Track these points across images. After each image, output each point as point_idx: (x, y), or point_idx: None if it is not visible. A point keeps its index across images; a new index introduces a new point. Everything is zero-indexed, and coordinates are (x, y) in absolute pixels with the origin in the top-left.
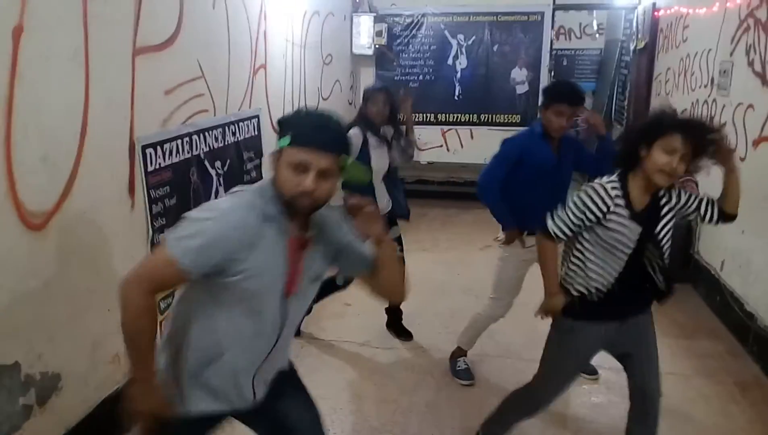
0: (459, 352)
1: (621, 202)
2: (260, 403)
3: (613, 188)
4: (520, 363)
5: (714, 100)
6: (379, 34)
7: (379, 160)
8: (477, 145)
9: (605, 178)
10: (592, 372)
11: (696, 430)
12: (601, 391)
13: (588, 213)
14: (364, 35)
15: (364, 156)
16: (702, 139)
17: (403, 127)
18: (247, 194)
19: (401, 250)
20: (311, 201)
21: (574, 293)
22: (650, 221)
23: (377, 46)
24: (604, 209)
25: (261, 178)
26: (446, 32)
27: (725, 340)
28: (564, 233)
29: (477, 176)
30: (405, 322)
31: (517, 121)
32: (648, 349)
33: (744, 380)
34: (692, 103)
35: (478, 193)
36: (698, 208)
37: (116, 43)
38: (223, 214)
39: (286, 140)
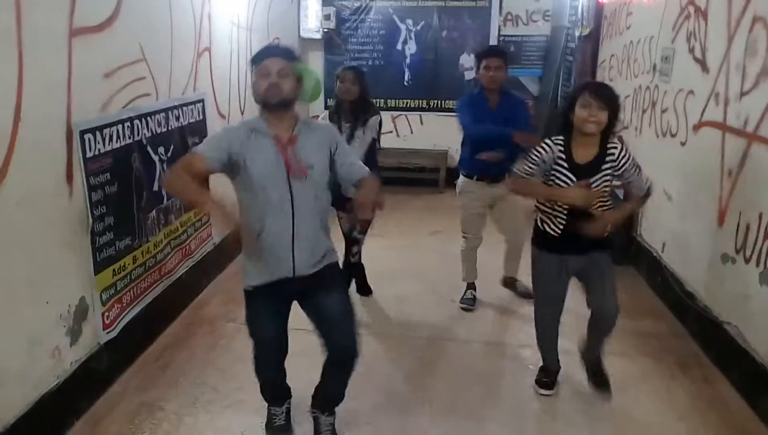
0: (469, 286)
1: (562, 155)
2: (306, 285)
3: (557, 144)
4: (469, 346)
5: (656, 86)
6: (327, 17)
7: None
8: (426, 131)
9: (553, 137)
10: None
11: (638, 408)
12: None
13: (538, 158)
14: (312, 19)
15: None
16: (606, 92)
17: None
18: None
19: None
20: (279, 94)
21: (540, 229)
22: (587, 173)
23: (325, 30)
24: (550, 156)
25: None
26: (395, 17)
27: (666, 320)
28: (525, 172)
29: (426, 162)
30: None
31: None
32: (603, 280)
33: (684, 359)
34: (635, 89)
35: (473, 138)
36: (623, 177)
37: (51, 23)
38: (225, 129)
39: (253, 65)
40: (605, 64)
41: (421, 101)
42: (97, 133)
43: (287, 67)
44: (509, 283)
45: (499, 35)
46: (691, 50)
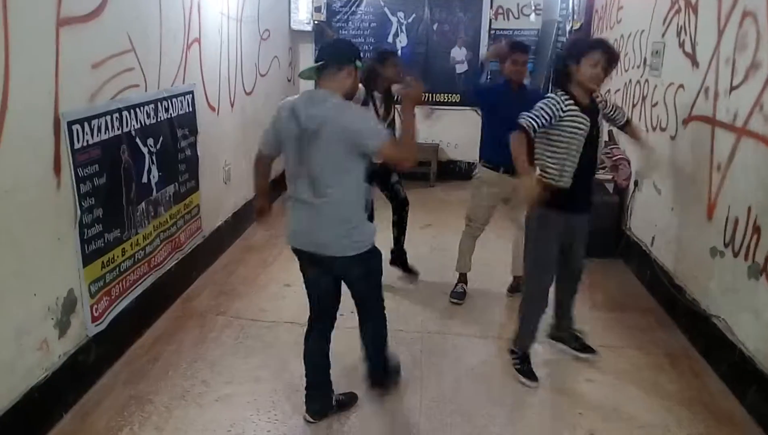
0: (460, 278)
1: (571, 102)
2: (331, 264)
3: (562, 95)
4: (458, 339)
5: (646, 81)
6: (318, 9)
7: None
8: (418, 124)
9: (556, 92)
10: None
11: (627, 400)
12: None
13: (548, 110)
14: (303, 10)
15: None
16: (612, 54)
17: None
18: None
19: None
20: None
21: (550, 182)
22: (591, 114)
23: (316, 22)
24: (561, 107)
25: (196, 156)
26: (386, 9)
27: (655, 313)
28: (532, 126)
29: (419, 156)
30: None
31: (457, 101)
32: (583, 242)
33: (673, 351)
34: (625, 84)
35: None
36: (613, 113)
37: (38, 13)
38: (277, 108)
39: None
40: None
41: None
42: (85, 124)
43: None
44: (519, 284)
45: (490, 28)
46: (682, 45)
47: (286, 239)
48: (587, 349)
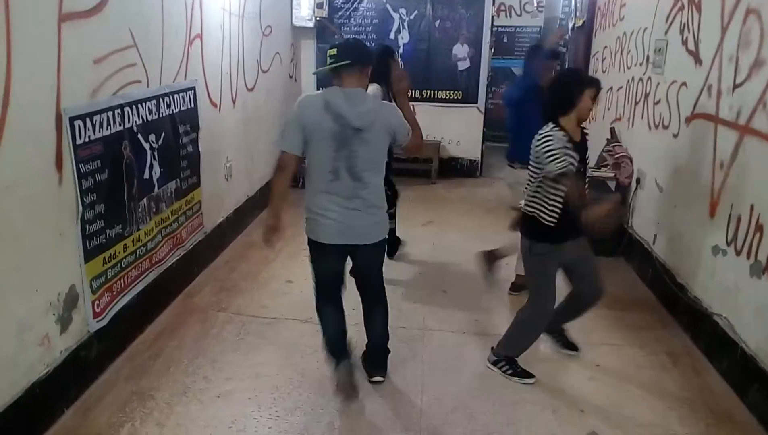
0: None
1: (566, 138)
2: (354, 253)
3: (558, 131)
4: (460, 336)
5: (649, 78)
6: (319, 6)
7: None
8: (419, 122)
9: (547, 128)
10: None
11: (628, 399)
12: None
13: (562, 147)
14: (305, 7)
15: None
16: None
17: None
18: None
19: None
20: None
21: (547, 222)
22: (581, 150)
23: (318, 18)
24: (565, 145)
25: (198, 152)
26: (388, 6)
27: (657, 311)
28: (572, 167)
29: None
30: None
31: (459, 98)
32: (590, 262)
33: (674, 350)
34: (628, 81)
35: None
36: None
37: (40, 8)
38: (299, 104)
39: None
40: (598, 56)
41: (413, 91)
42: (87, 120)
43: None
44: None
45: (493, 26)
46: (685, 42)
47: (314, 236)
48: (571, 346)
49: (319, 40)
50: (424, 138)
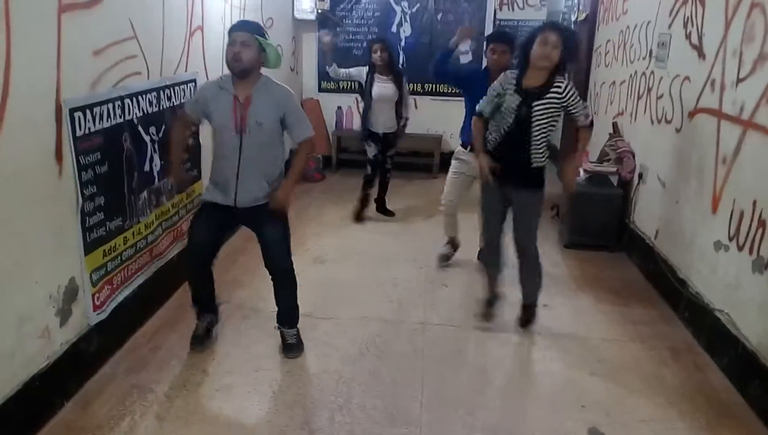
0: (449, 240)
1: (513, 82)
2: (247, 215)
3: (511, 74)
4: (461, 331)
5: (652, 72)
6: None
7: (380, 89)
8: (421, 115)
9: (509, 71)
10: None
11: (630, 394)
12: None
13: (495, 91)
14: None
15: (369, 85)
16: (568, 35)
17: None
18: (219, 77)
19: (390, 166)
20: (240, 63)
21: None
22: (533, 97)
23: (320, 10)
24: (504, 87)
25: (198, 145)
26: None
27: (658, 307)
28: (484, 110)
29: (420, 147)
30: (348, 291)
31: (461, 92)
32: (527, 217)
33: (676, 345)
34: (631, 75)
35: (441, 71)
36: (569, 108)
37: None
38: (202, 86)
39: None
40: (601, 50)
41: (415, 85)
42: (87, 112)
43: (250, 39)
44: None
45: (495, 19)
46: (688, 36)
47: None
48: (524, 324)
49: (321, 32)
50: (426, 131)
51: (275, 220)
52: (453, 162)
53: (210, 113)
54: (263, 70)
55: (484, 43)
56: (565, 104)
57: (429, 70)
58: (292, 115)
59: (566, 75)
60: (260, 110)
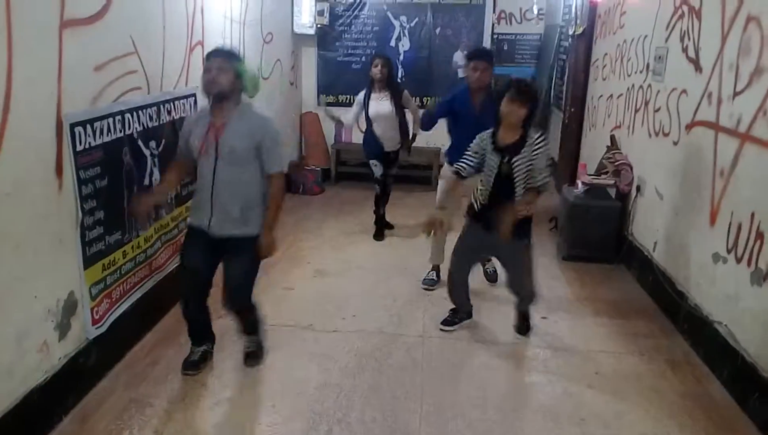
0: (434, 267)
1: (490, 142)
2: (218, 239)
3: (489, 135)
4: (460, 344)
5: (649, 86)
6: (320, 13)
7: (378, 106)
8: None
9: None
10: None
11: (628, 406)
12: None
13: (471, 151)
14: (306, 14)
15: (366, 104)
16: (526, 92)
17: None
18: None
19: (391, 181)
20: (216, 87)
21: (472, 203)
22: (510, 152)
23: (319, 25)
24: (482, 147)
25: None
26: (389, 13)
27: (657, 319)
28: (463, 169)
29: (419, 160)
30: (348, 304)
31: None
32: (515, 266)
33: (674, 358)
34: (628, 88)
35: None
36: (531, 162)
37: (41, 14)
38: (185, 120)
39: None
40: (598, 63)
41: (414, 99)
42: (88, 127)
43: (226, 65)
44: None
45: (493, 33)
46: (685, 50)
47: None
48: (520, 331)
49: (321, 47)
50: (425, 144)
51: (244, 258)
52: (440, 181)
53: (190, 139)
54: (259, 101)
55: (465, 60)
56: (533, 156)
57: (421, 123)
58: (265, 146)
59: (540, 129)
60: (234, 136)
